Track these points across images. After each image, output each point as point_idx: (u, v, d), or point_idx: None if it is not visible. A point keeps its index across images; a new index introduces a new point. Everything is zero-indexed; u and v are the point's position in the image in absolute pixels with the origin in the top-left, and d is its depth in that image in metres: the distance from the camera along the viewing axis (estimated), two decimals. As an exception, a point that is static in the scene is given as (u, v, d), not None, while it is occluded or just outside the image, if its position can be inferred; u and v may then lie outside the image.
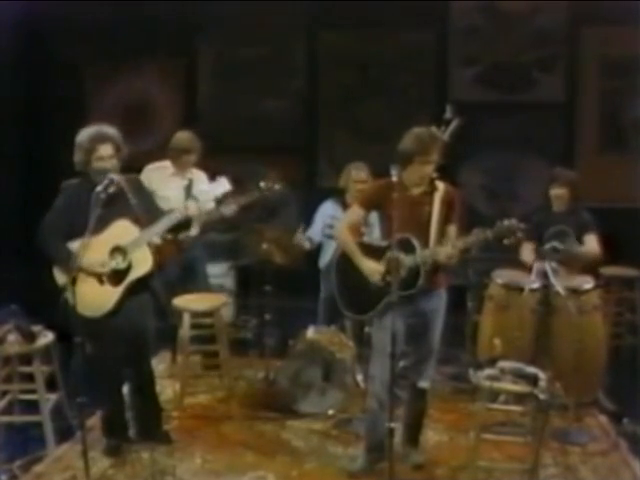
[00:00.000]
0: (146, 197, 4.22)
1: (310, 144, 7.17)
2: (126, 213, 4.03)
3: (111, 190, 3.91)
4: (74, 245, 3.95)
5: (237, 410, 4.75)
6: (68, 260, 3.88)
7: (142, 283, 4.11)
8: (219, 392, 5.03)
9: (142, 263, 4.04)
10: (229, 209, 4.85)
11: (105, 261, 4.01)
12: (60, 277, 4.03)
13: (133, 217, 4.04)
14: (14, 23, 6.65)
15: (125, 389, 4.40)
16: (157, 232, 4.10)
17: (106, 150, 4.03)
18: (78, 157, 4.07)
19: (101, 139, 4.04)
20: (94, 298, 4.03)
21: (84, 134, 4.07)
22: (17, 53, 6.89)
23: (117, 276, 4.04)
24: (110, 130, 4.11)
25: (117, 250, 4.03)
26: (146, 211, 4.08)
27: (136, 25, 6.85)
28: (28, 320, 4.42)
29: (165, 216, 4.14)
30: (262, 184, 4.79)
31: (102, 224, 3.94)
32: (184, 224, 4.43)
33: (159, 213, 4.21)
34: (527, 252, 5.15)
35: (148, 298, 4.21)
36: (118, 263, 4.03)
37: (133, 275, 4.04)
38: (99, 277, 4.05)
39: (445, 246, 3.85)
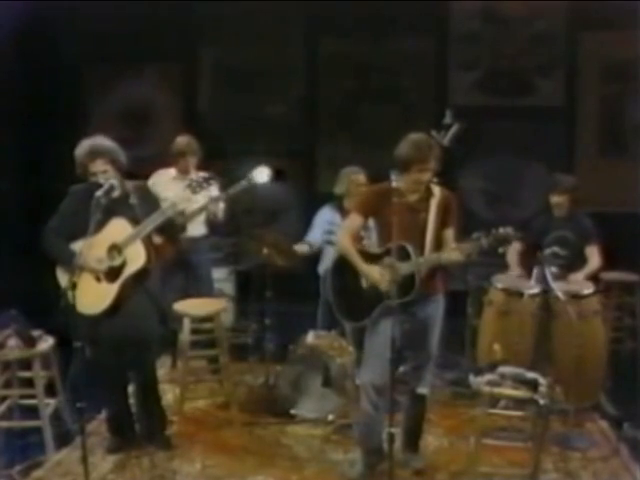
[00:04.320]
0: (151, 203, 4.27)
1: (310, 148, 7.18)
2: (124, 213, 4.10)
3: (115, 194, 4.03)
4: (77, 246, 4.04)
5: (237, 415, 4.74)
6: (72, 262, 3.97)
7: (137, 282, 4.14)
8: (219, 397, 5.03)
9: (135, 258, 4.10)
10: (218, 205, 5.09)
11: (101, 257, 4.08)
12: (63, 279, 4.08)
13: (132, 218, 4.11)
14: (15, 25, 6.65)
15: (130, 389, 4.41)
16: (148, 228, 4.13)
17: (98, 166, 4.09)
18: (77, 169, 4.16)
19: (93, 155, 4.09)
20: (92, 296, 4.07)
21: (80, 148, 4.14)
22: (18, 55, 6.89)
23: (113, 273, 4.10)
24: (105, 144, 4.16)
25: (114, 248, 4.10)
26: (148, 214, 4.14)
27: (136, 28, 6.86)
28: (28, 325, 4.42)
29: (155, 212, 4.17)
30: (251, 175, 4.94)
31: (101, 225, 4.02)
32: (178, 224, 4.49)
33: None
34: (513, 253, 5.18)
35: (146, 301, 4.21)
36: (113, 260, 4.09)
37: (128, 270, 4.09)
38: (96, 275, 4.11)
39: (449, 251, 3.83)
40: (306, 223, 5.50)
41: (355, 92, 7.09)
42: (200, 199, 4.99)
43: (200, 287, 5.29)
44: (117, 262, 4.09)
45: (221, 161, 5.55)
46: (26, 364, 4.37)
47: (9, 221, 6.75)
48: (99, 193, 3.90)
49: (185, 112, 7.30)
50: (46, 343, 4.41)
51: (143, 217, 4.12)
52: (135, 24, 6.84)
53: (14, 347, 4.30)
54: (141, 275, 4.14)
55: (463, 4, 6.88)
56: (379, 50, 6.98)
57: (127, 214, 4.11)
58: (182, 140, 5.36)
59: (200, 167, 5.38)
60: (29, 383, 4.36)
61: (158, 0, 6.63)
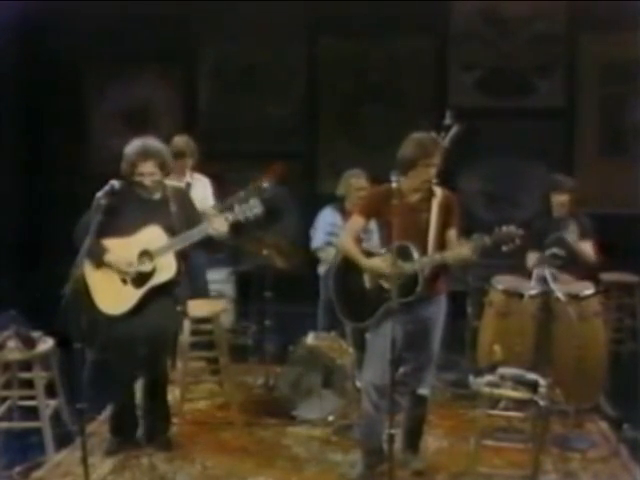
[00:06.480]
0: (189, 209, 4.28)
1: (310, 149, 7.17)
2: (161, 220, 4.10)
3: (157, 196, 4.11)
4: (108, 244, 4.05)
5: (237, 416, 4.74)
6: (99, 257, 3.99)
7: (165, 289, 4.14)
8: (219, 398, 5.03)
9: (166, 269, 4.10)
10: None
11: (133, 262, 4.08)
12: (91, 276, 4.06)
13: (167, 225, 4.11)
14: (14, 24, 6.65)
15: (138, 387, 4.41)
16: (185, 242, 4.14)
17: (147, 167, 4.08)
18: (123, 167, 4.13)
19: (144, 156, 4.07)
20: (114, 296, 4.09)
21: (131, 146, 4.11)
22: (17, 54, 6.89)
23: (140, 279, 4.10)
24: (156, 145, 4.14)
25: (145, 254, 4.09)
26: (185, 222, 4.14)
27: (136, 28, 6.85)
28: (28, 326, 4.42)
29: (195, 228, 4.16)
30: (250, 186, 4.77)
31: (136, 226, 4.07)
32: (210, 238, 4.45)
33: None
34: (532, 261, 5.16)
35: (170, 303, 4.21)
36: (143, 266, 4.09)
37: (155, 280, 4.10)
38: (123, 277, 4.10)
39: (453, 248, 3.83)
40: (306, 224, 5.50)
41: (355, 92, 7.08)
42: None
43: (197, 292, 5.26)
44: (146, 269, 4.09)
45: (221, 162, 5.54)
46: (26, 365, 4.37)
47: (9, 221, 6.75)
48: (99, 194, 3.88)
49: (185, 112, 7.30)
50: (46, 344, 4.41)
51: (180, 224, 4.12)
52: (135, 24, 6.83)
53: (14, 348, 4.30)
54: (168, 285, 4.14)
55: (463, 4, 6.87)
56: (379, 50, 6.97)
57: (163, 221, 4.10)
58: (181, 140, 5.24)
59: (195, 169, 5.35)
60: (29, 384, 4.36)
61: (158, 0, 6.63)
